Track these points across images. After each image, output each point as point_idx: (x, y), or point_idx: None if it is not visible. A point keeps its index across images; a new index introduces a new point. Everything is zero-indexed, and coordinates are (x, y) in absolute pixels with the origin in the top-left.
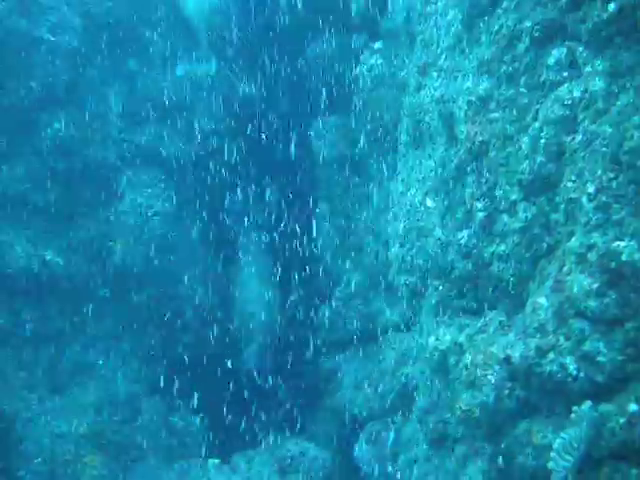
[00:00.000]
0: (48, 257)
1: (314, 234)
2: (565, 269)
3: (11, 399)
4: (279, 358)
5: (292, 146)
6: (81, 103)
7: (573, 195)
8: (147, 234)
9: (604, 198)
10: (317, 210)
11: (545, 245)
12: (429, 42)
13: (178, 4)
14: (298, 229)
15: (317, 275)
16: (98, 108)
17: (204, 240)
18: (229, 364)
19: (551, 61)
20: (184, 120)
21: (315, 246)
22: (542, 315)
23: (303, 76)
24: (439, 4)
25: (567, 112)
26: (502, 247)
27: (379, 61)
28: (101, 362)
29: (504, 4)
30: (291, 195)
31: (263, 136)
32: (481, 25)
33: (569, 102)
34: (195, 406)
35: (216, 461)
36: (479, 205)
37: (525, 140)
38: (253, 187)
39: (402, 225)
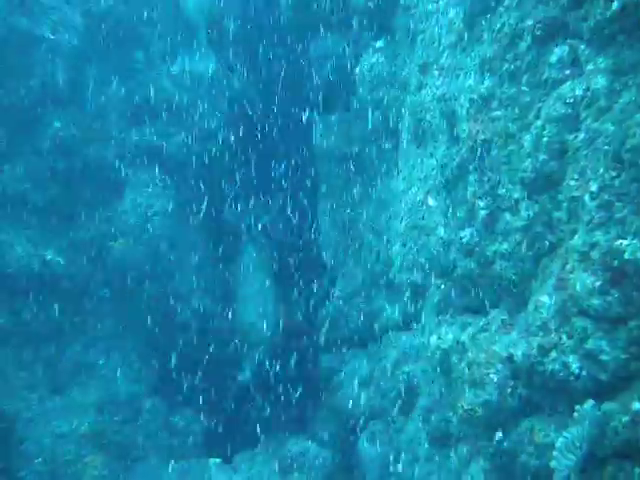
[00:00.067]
0: (48, 257)
1: (315, 232)
2: (568, 267)
3: (12, 399)
4: (279, 359)
5: (293, 144)
6: (81, 102)
7: (575, 193)
8: (147, 233)
9: (606, 196)
10: (318, 208)
11: (548, 243)
12: (430, 40)
13: (178, 2)
14: (299, 227)
15: (318, 273)
16: (98, 107)
17: (204, 239)
18: (230, 365)
19: (553, 59)
20: (184, 119)
21: (316, 244)
22: (545, 313)
23: (304, 74)
24: (440, 2)
25: (569, 110)
26: (504, 245)
27: (380, 59)
28: (102, 362)
29: (506, 2)
30: (292, 193)
31: (263, 134)
32: (483, 23)
33: (571, 100)
34: (196, 406)
35: (217, 460)
36: (481, 203)
37: (527, 138)
38: (254, 186)
39: (404, 223)
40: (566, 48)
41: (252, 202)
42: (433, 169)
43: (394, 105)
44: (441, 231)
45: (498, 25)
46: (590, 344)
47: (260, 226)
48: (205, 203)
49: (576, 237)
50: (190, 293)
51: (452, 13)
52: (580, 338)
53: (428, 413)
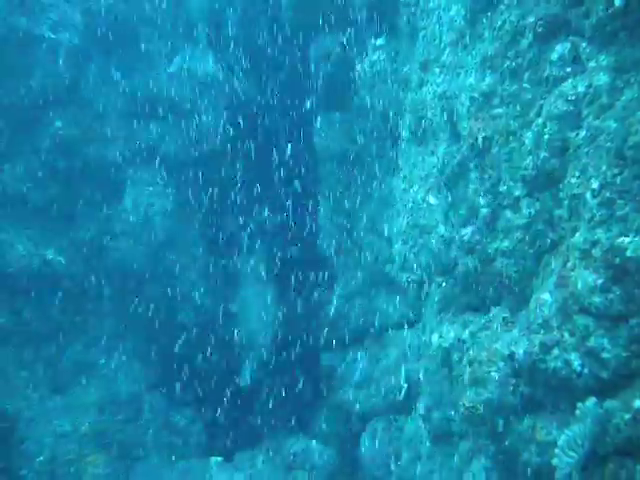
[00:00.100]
0: (49, 256)
1: (316, 231)
2: (569, 265)
3: (13, 398)
4: (280, 359)
5: (293, 143)
6: (82, 101)
7: (577, 191)
8: (148, 233)
9: (608, 194)
10: (319, 207)
11: (549, 241)
12: (431, 38)
13: (179, 0)
14: (299, 226)
15: (319, 273)
16: (99, 106)
17: (205, 239)
18: (231, 365)
19: (554, 57)
20: (185, 118)
21: (317, 243)
22: (546, 311)
23: (304, 72)
24: (441, 0)
25: (571, 107)
26: (506, 243)
27: (381, 57)
28: (102, 361)
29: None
30: (292, 192)
31: (264, 133)
32: (484, 21)
33: (573, 97)
34: (197, 405)
35: (219, 459)
36: (482, 201)
37: (529, 136)
38: (254, 185)
39: (405, 222)
40: (568, 45)
41: (252, 201)
42: (434, 167)
43: (395, 103)
44: (442, 229)
45: (499, 22)
46: (592, 342)
47: (260, 225)
48: (205, 202)
49: (577, 235)
50: (190, 292)
51: (453, 10)
52: (582, 336)
53: (430, 411)
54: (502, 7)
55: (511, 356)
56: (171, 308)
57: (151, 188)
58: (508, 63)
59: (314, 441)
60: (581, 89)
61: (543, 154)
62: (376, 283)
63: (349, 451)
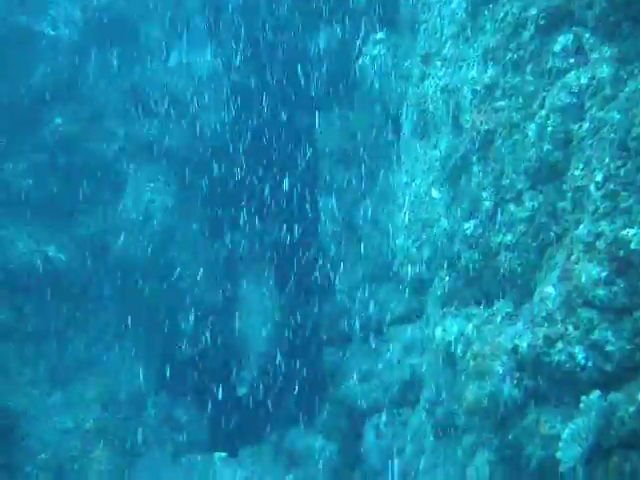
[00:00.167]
0: (50, 253)
1: (317, 227)
2: (573, 258)
3: (15, 395)
4: (282, 356)
5: (294, 138)
6: (82, 97)
7: (580, 183)
8: (149, 229)
9: (612, 186)
10: (321, 202)
11: (552, 234)
12: (433, 31)
13: None
14: (301, 221)
15: (321, 268)
16: (99, 102)
17: (206, 235)
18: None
19: (557, 48)
20: (185, 113)
21: (318, 239)
22: (550, 304)
23: (305, 67)
24: None
25: (574, 99)
26: (509, 236)
27: (382, 51)
28: (104, 358)
29: None
30: (294, 188)
31: (264, 128)
32: (486, 13)
33: (576, 89)
34: (199, 401)
35: (222, 455)
36: (485, 194)
37: (532, 128)
38: (255, 180)
39: (407, 216)
40: (570, 37)
41: (254, 197)
42: (436, 160)
43: (396, 97)
44: (445, 223)
45: (501, 14)
46: (596, 335)
47: (261, 219)
48: (206, 198)
49: (581, 227)
50: (192, 288)
51: (454, 3)
52: (586, 329)
53: (433, 405)
54: None
55: (515, 350)
56: (172, 304)
57: (152, 184)
58: (510, 55)
59: (317, 436)
60: (584, 81)
61: (546, 146)
62: (378, 277)
63: (352, 446)
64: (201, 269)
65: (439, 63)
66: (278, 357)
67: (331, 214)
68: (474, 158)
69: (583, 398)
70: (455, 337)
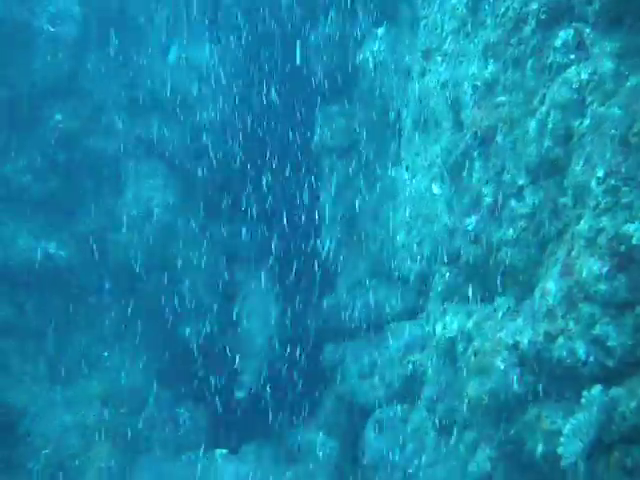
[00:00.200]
0: (51, 250)
1: (317, 223)
2: (574, 253)
3: (16, 392)
4: (284, 354)
5: (294, 133)
6: (81, 94)
7: (581, 179)
8: (149, 226)
9: (613, 181)
10: (321, 197)
11: (553, 230)
12: (433, 27)
13: None
14: (302, 217)
15: (321, 264)
16: (98, 98)
17: (207, 231)
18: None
19: (558, 43)
20: (185, 109)
21: (319, 234)
22: (551, 300)
23: (305, 62)
24: None
25: (575, 95)
26: (510, 232)
27: (382, 47)
28: (106, 354)
29: None
30: (294, 183)
31: (264, 124)
32: (486, 8)
33: (577, 84)
34: (201, 398)
35: (224, 451)
36: (486, 190)
37: (532, 124)
38: (255, 176)
39: (408, 212)
40: (571, 32)
41: (255, 192)
42: (437, 156)
43: (397, 93)
44: (446, 219)
45: (502, 9)
46: (597, 330)
47: (263, 217)
48: (207, 195)
49: (582, 223)
50: (192, 286)
51: None
52: (587, 324)
53: (434, 402)
54: None
55: (516, 345)
56: (173, 301)
57: (152, 181)
58: (511, 51)
59: (318, 432)
60: (585, 76)
61: (547, 142)
62: (379, 273)
63: (353, 442)
64: (202, 266)
65: (439, 58)
66: (279, 354)
67: (331, 210)
68: (475, 154)
69: (584, 393)
70: (456, 333)
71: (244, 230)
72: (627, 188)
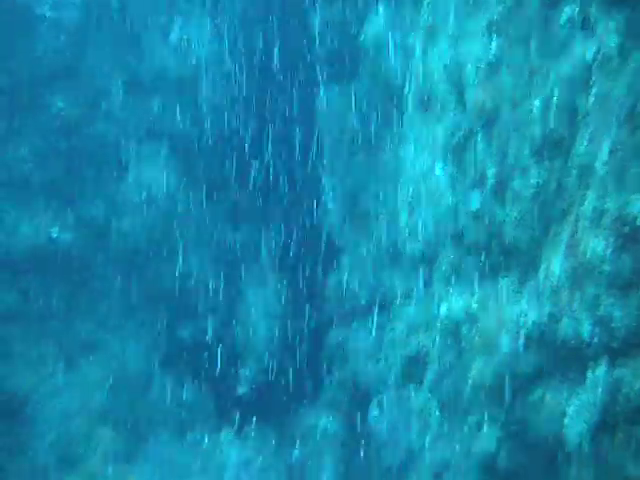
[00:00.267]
0: (54, 235)
1: (322, 204)
2: (578, 234)
3: (21, 377)
4: (287, 338)
5: (297, 116)
6: (83, 79)
7: (586, 158)
8: (152, 211)
9: (619, 158)
10: (324, 179)
11: (558, 210)
12: (436, 5)
13: None
14: (305, 199)
15: (325, 246)
16: (100, 84)
17: (210, 215)
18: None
19: (563, 20)
20: (186, 93)
21: (323, 216)
22: (555, 280)
23: (307, 43)
24: None
25: (580, 72)
26: (514, 212)
27: (385, 26)
28: (110, 338)
29: None
30: (297, 166)
31: (267, 106)
32: None
33: (582, 62)
34: (205, 381)
35: (228, 433)
36: (490, 170)
37: (536, 103)
38: (257, 159)
39: (411, 192)
40: (576, 8)
41: (259, 176)
42: (440, 137)
43: (399, 73)
44: (449, 199)
45: None
46: (601, 311)
47: (264, 200)
48: (211, 179)
49: (587, 202)
50: (196, 270)
51: None
52: (591, 305)
53: (438, 382)
54: None
55: (520, 326)
56: (177, 285)
57: (154, 164)
58: (515, 28)
59: (323, 414)
60: (590, 53)
61: (551, 121)
62: (383, 255)
63: (358, 423)
64: (205, 250)
65: (442, 38)
66: (281, 335)
67: (334, 191)
68: (478, 134)
69: (589, 374)
70: (460, 313)
71: (247, 213)
72: (633, 166)
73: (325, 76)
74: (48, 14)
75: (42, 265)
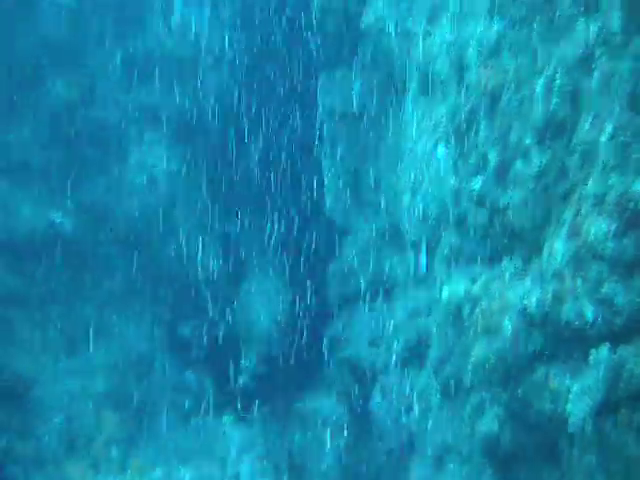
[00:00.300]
0: (56, 219)
1: (323, 188)
2: (582, 213)
3: (26, 361)
4: (291, 319)
5: (297, 99)
6: (83, 63)
7: (590, 137)
8: (153, 194)
9: (622, 138)
10: (325, 163)
11: (561, 190)
12: None
13: None
14: (306, 184)
15: (327, 229)
16: (101, 67)
17: (211, 199)
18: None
19: (566, 0)
20: (187, 76)
21: (324, 200)
22: (559, 260)
23: (307, 26)
24: None
25: (583, 51)
26: (517, 193)
27: (386, 9)
28: (113, 321)
29: None
30: (298, 149)
31: (267, 90)
32: None
33: (585, 40)
34: (209, 364)
35: (231, 417)
36: (492, 151)
37: (539, 83)
38: (259, 142)
39: (413, 175)
40: None
41: (257, 160)
42: (442, 118)
43: (401, 55)
44: (451, 181)
45: None
46: (605, 289)
47: (267, 183)
48: (211, 162)
49: (590, 182)
50: (197, 253)
51: None
52: (595, 284)
53: (441, 364)
54: None
55: (523, 306)
56: (178, 268)
57: (155, 148)
58: (517, 8)
59: (325, 398)
60: (593, 31)
61: (555, 101)
62: (385, 238)
63: (360, 406)
64: (206, 233)
65: (445, 19)
66: (285, 320)
67: (336, 175)
68: (481, 114)
69: (592, 352)
70: (462, 295)
71: (247, 198)
72: (637, 145)
73: (326, 58)
74: None
75: (44, 249)
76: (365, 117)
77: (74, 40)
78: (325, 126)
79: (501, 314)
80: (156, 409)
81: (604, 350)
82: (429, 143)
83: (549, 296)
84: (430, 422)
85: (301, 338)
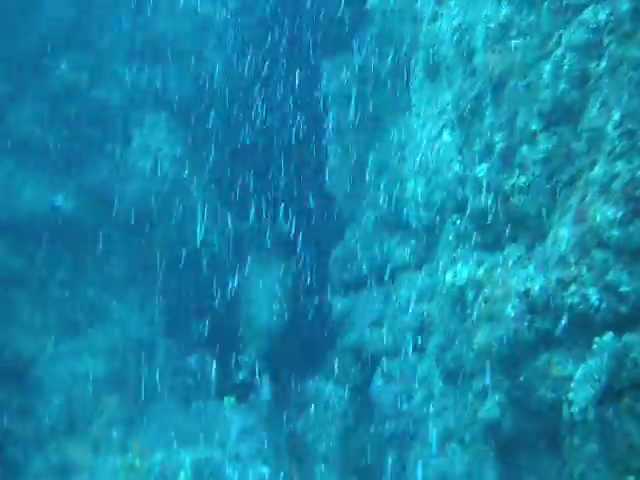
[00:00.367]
0: (58, 201)
1: (327, 173)
2: (587, 199)
3: (27, 341)
4: (293, 304)
5: (301, 83)
6: (88, 44)
7: (597, 123)
8: (156, 177)
9: (630, 124)
10: (329, 148)
11: (567, 176)
12: None
13: None
14: (310, 168)
15: (330, 215)
16: (105, 49)
17: (215, 183)
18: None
19: None
20: (191, 59)
21: (328, 185)
22: (563, 247)
23: (312, 10)
24: None
25: (592, 36)
26: (522, 179)
27: None
28: (115, 304)
29: None
30: (302, 134)
31: (271, 74)
32: None
33: (594, 26)
34: (210, 347)
35: (232, 400)
36: (498, 136)
37: (547, 68)
38: (262, 127)
39: (418, 160)
40: None
41: (263, 145)
42: (448, 103)
43: (407, 39)
44: (456, 166)
45: None
46: (610, 276)
47: (268, 168)
48: (215, 146)
49: (596, 168)
50: (200, 237)
51: None
52: (600, 270)
53: (443, 350)
54: None
55: (527, 292)
56: (181, 252)
57: (159, 132)
58: None
59: (327, 382)
60: (602, 17)
61: (562, 86)
62: (389, 223)
63: (362, 391)
64: (210, 217)
65: (452, 2)
66: (288, 304)
67: (340, 160)
68: (487, 100)
69: (596, 339)
70: (466, 281)
71: (251, 183)
72: None
73: (329, 41)
74: None
75: (45, 230)
76: (371, 101)
77: (79, 21)
78: (329, 110)
79: (504, 300)
80: (157, 392)
81: (608, 337)
82: (434, 129)
83: (553, 283)
84: (432, 407)
85: (303, 322)
